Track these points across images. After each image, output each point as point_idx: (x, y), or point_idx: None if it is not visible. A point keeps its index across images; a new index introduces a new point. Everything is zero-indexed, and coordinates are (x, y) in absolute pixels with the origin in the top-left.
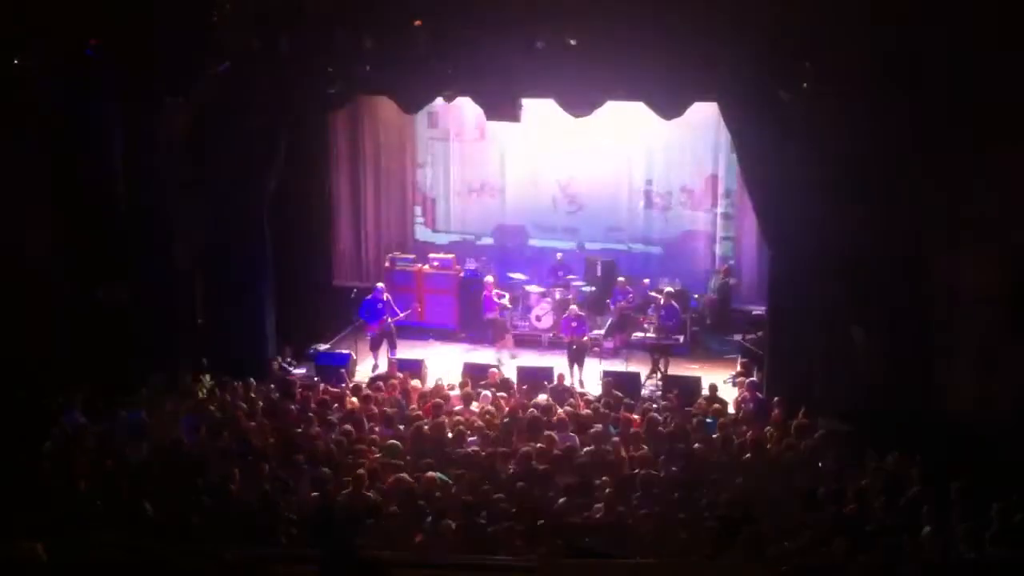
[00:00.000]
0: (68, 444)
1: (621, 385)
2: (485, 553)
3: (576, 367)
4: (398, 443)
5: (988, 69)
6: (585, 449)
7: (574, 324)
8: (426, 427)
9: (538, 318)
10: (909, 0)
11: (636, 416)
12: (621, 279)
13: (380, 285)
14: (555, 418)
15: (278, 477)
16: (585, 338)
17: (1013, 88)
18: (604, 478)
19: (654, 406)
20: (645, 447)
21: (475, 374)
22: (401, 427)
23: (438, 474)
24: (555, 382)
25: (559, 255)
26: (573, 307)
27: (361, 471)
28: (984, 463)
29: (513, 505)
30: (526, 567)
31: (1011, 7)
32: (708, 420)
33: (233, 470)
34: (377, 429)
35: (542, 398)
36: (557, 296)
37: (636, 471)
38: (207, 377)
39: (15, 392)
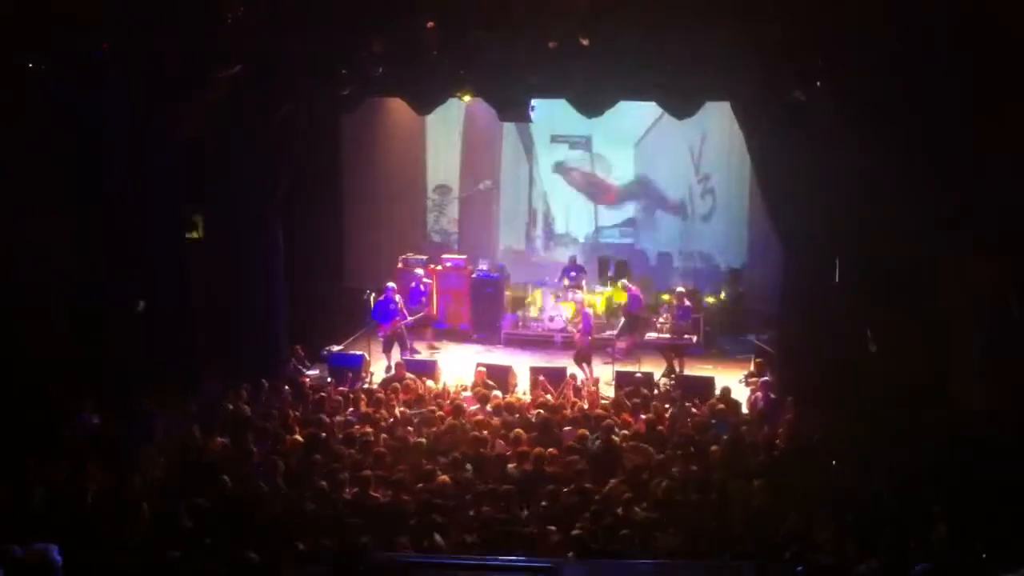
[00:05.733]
0: (83, 445)
1: (633, 385)
2: (499, 553)
3: (585, 367)
4: (412, 443)
5: (998, 65)
6: (597, 450)
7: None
8: (442, 428)
9: (551, 318)
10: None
11: (648, 417)
12: (622, 281)
13: (391, 285)
14: (566, 418)
15: (293, 477)
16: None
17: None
18: (617, 479)
19: (667, 406)
20: (658, 448)
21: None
22: (412, 429)
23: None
24: (567, 382)
25: (572, 255)
26: (577, 295)
27: (370, 472)
28: (998, 464)
29: (526, 505)
30: (540, 567)
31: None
32: (713, 421)
33: (248, 471)
34: (388, 432)
35: (548, 398)
36: (570, 296)
37: (648, 472)
38: None
39: (25, 393)
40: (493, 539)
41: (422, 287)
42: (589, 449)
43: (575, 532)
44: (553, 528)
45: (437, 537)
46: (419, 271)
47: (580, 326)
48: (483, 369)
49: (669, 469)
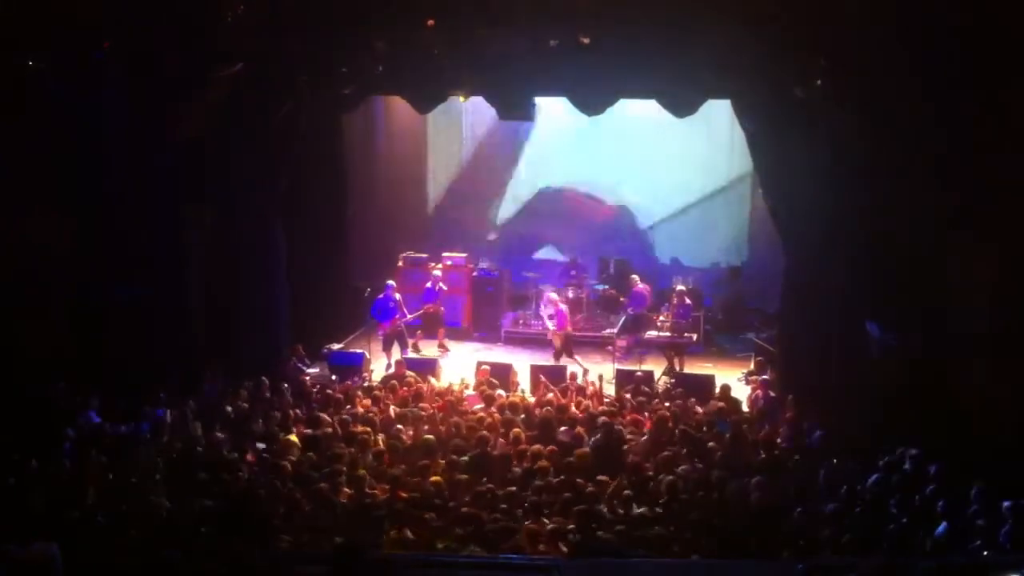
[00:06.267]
0: (84, 445)
1: (634, 384)
2: (500, 552)
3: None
4: (409, 442)
5: (998, 65)
6: (599, 445)
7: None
8: (440, 426)
9: (551, 317)
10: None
11: (648, 415)
12: (634, 276)
13: (391, 283)
14: (572, 417)
15: (292, 477)
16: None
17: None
18: (619, 475)
19: (667, 404)
20: (662, 445)
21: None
22: (403, 427)
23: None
24: (567, 381)
25: (573, 255)
26: (550, 294)
27: (364, 471)
28: (998, 462)
29: (527, 503)
30: (541, 566)
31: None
32: (715, 420)
33: (250, 469)
34: (383, 430)
35: (552, 396)
36: (570, 295)
37: (652, 471)
38: None
39: (28, 393)
40: (480, 536)
41: (438, 288)
42: (590, 446)
43: (570, 528)
44: (547, 522)
45: (407, 532)
46: (437, 272)
47: (555, 322)
48: (487, 368)
49: (673, 466)
